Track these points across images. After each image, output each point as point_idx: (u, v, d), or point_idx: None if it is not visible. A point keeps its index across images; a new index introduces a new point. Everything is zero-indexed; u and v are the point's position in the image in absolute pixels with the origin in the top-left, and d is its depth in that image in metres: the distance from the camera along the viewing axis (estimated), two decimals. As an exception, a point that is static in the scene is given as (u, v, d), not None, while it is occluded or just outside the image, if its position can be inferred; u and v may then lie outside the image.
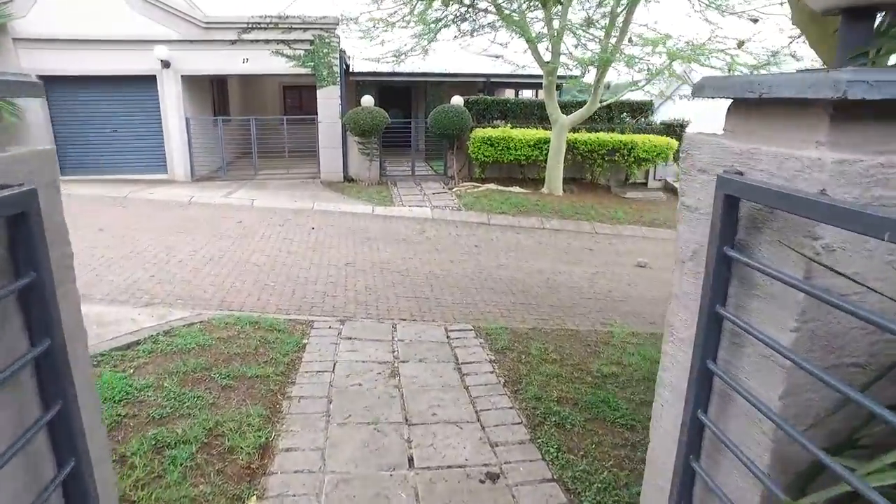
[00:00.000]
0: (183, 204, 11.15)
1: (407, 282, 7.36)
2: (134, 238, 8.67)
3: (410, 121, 16.65)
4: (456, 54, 19.48)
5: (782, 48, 12.96)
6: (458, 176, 14.51)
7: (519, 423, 3.78)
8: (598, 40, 12.19)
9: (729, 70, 12.12)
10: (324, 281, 7.12)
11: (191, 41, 13.17)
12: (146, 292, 6.41)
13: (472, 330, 5.56)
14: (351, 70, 16.88)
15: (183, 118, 13.67)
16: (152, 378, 4.03)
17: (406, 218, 11.31)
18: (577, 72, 12.39)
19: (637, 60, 11.21)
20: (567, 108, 14.24)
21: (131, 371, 4.15)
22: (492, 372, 4.55)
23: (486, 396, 4.10)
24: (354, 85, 17.77)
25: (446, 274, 7.89)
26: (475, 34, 12.28)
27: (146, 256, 7.68)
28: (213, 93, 16.48)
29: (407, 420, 3.74)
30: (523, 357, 4.92)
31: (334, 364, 4.51)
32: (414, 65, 17.68)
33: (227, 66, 13.77)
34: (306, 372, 4.29)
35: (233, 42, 13.37)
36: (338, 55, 13.93)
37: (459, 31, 12.31)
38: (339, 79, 14.09)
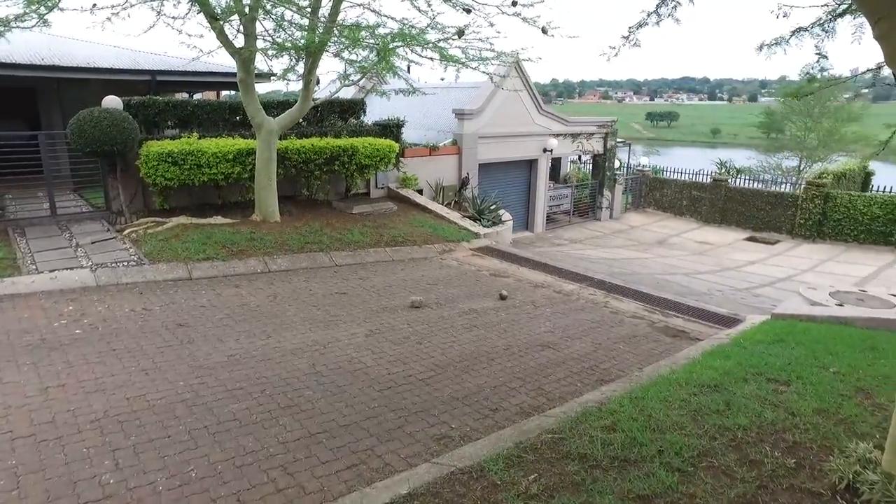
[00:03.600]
0: None
1: (51, 461, 3.62)
2: None
3: (38, 133, 11.35)
4: (107, 45, 14.50)
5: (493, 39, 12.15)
6: (128, 210, 10.21)
7: None
8: (300, 22, 9.43)
9: (441, 61, 10.71)
10: None
11: None
12: None
13: None
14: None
15: None
16: None
17: (45, 294, 6.91)
18: (282, 62, 9.45)
19: (362, 44, 8.83)
20: (270, 109, 11.21)
21: None
22: None
23: None
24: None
25: (137, 407, 4.33)
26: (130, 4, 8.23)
27: None
28: None
29: None
30: None
31: None
32: (36, 54, 12.34)
33: None
34: None
35: None
36: None
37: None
38: None
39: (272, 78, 12.83)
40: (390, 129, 13.84)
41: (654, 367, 5.80)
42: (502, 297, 8.22)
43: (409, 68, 17.81)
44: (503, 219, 13.98)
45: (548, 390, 5.19)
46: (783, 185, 22.70)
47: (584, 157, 22.51)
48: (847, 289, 8.76)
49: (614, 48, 4.43)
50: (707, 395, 4.72)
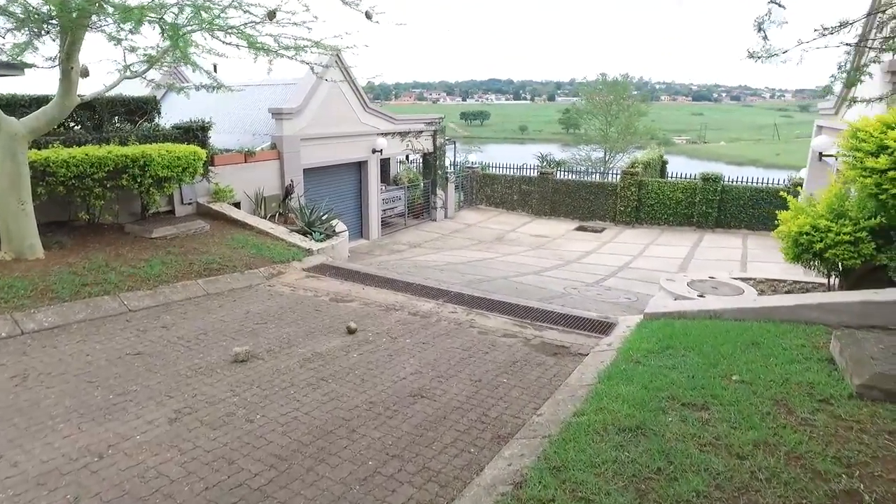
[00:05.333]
0: None
1: None
2: None
3: None
4: None
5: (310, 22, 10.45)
6: None
7: None
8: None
9: (250, 49, 8.86)
10: None
11: None
12: None
13: None
14: None
15: None
16: None
17: None
18: (22, 39, 6.78)
19: (135, 14, 6.59)
20: (17, 108, 8.38)
21: None
22: None
23: None
24: None
25: None
26: None
27: None
28: None
29: None
30: None
31: None
32: None
33: None
34: None
35: None
36: None
37: None
38: None
39: (26, 69, 9.82)
40: (194, 132, 11.51)
41: (553, 405, 4.77)
42: (351, 331, 6.71)
43: (215, 67, 15.40)
44: (337, 230, 12.38)
45: (437, 468, 3.85)
46: (594, 175, 23.98)
47: (412, 157, 21.66)
48: (701, 277, 8.71)
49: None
50: (635, 444, 3.75)
